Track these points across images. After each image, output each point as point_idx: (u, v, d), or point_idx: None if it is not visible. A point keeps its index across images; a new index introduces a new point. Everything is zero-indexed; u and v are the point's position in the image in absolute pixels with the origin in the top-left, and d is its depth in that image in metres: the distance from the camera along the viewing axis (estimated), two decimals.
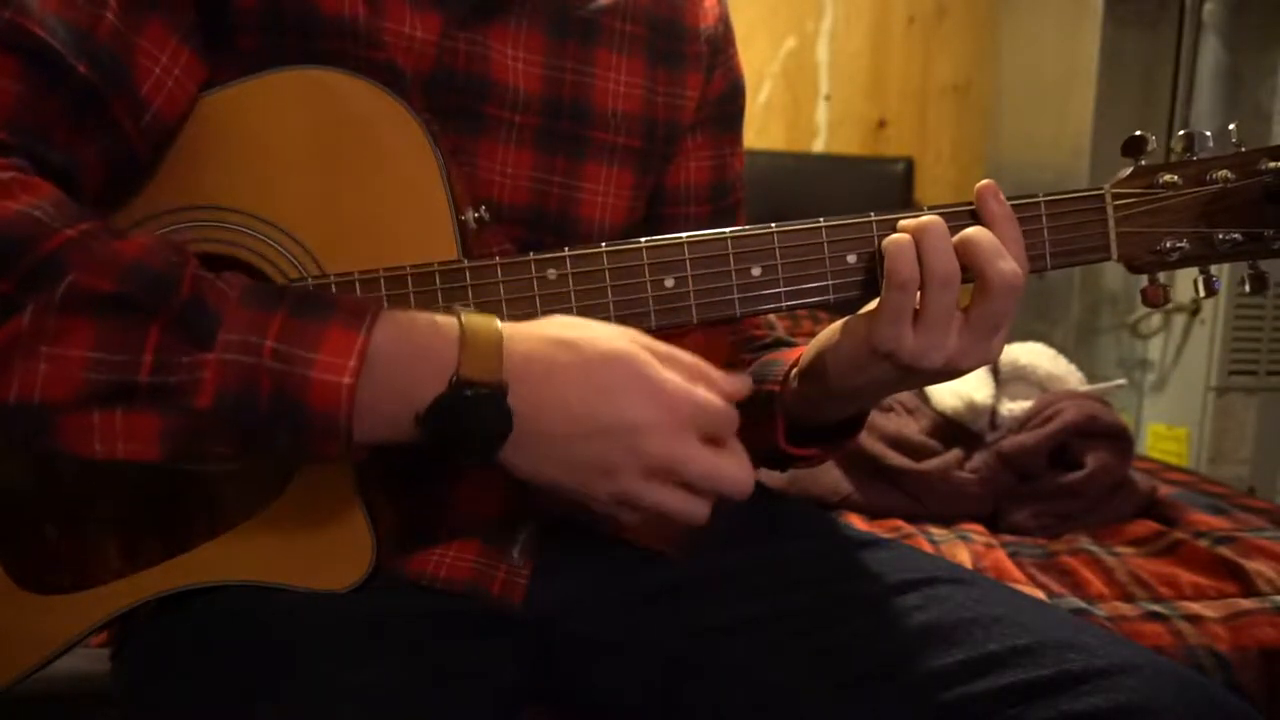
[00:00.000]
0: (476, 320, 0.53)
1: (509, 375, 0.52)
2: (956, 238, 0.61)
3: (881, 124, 2.49)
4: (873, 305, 0.64)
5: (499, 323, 0.54)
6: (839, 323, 0.67)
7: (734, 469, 0.55)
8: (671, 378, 0.54)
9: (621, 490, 0.54)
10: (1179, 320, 2.09)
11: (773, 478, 0.91)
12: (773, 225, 0.63)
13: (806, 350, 0.71)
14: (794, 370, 0.72)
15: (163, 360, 0.49)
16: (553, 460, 0.54)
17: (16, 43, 0.53)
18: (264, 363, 0.50)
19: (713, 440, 0.55)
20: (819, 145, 2.47)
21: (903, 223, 0.62)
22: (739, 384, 0.57)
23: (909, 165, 2.36)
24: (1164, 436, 2.11)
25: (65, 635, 0.63)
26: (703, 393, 0.55)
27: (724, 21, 0.82)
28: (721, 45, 0.81)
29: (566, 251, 0.61)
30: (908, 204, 2.32)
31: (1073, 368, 1.52)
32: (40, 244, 0.49)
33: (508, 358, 0.52)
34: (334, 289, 0.60)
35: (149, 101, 0.57)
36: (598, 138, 0.73)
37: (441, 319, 0.53)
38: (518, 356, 0.53)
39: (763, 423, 0.73)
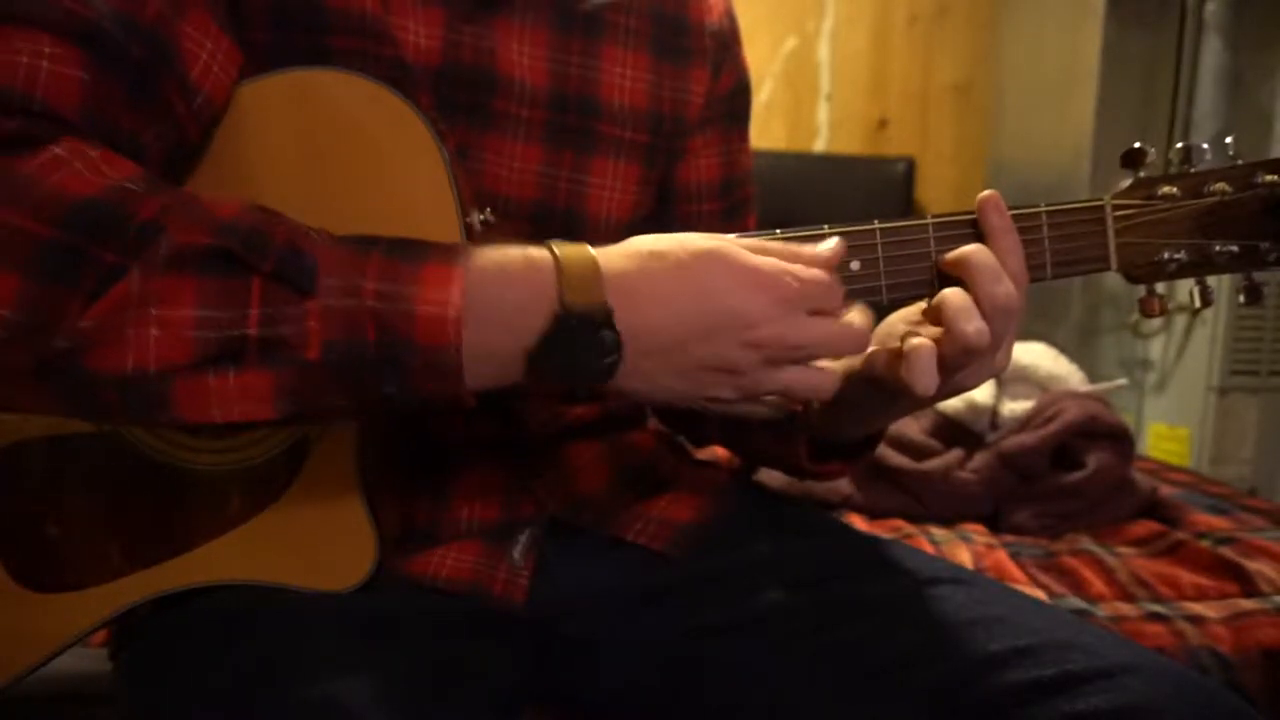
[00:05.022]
0: (568, 248, 0.53)
1: (610, 297, 0.52)
2: (956, 254, 0.61)
3: (882, 124, 2.48)
4: (883, 336, 0.64)
5: (590, 248, 0.53)
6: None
7: (850, 331, 0.56)
8: (768, 261, 0.54)
9: (747, 384, 0.54)
10: (1180, 320, 2.09)
11: (773, 478, 0.91)
12: (777, 231, 0.63)
13: None
14: None
15: (268, 312, 0.49)
16: (669, 372, 0.54)
17: (76, 30, 0.53)
18: (366, 304, 0.49)
19: (820, 312, 0.55)
20: (820, 145, 2.47)
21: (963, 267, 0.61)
22: (832, 250, 0.58)
23: (910, 165, 2.35)
24: (1165, 437, 2.11)
25: (65, 635, 0.63)
26: (802, 270, 0.55)
27: (729, 17, 0.82)
28: (728, 41, 0.81)
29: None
30: (909, 204, 2.32)
31: (1074, 368, 1.52)
32: (137, 211, 0.49)
33: (605, 279, 0.52)
34: None
35: (199, 85, 0.58)
36: (605, 132, 0.73)
37: (534, 250, 0.53)
38: (614, 276, 0.52)
39: (788, 442, 0.74)
